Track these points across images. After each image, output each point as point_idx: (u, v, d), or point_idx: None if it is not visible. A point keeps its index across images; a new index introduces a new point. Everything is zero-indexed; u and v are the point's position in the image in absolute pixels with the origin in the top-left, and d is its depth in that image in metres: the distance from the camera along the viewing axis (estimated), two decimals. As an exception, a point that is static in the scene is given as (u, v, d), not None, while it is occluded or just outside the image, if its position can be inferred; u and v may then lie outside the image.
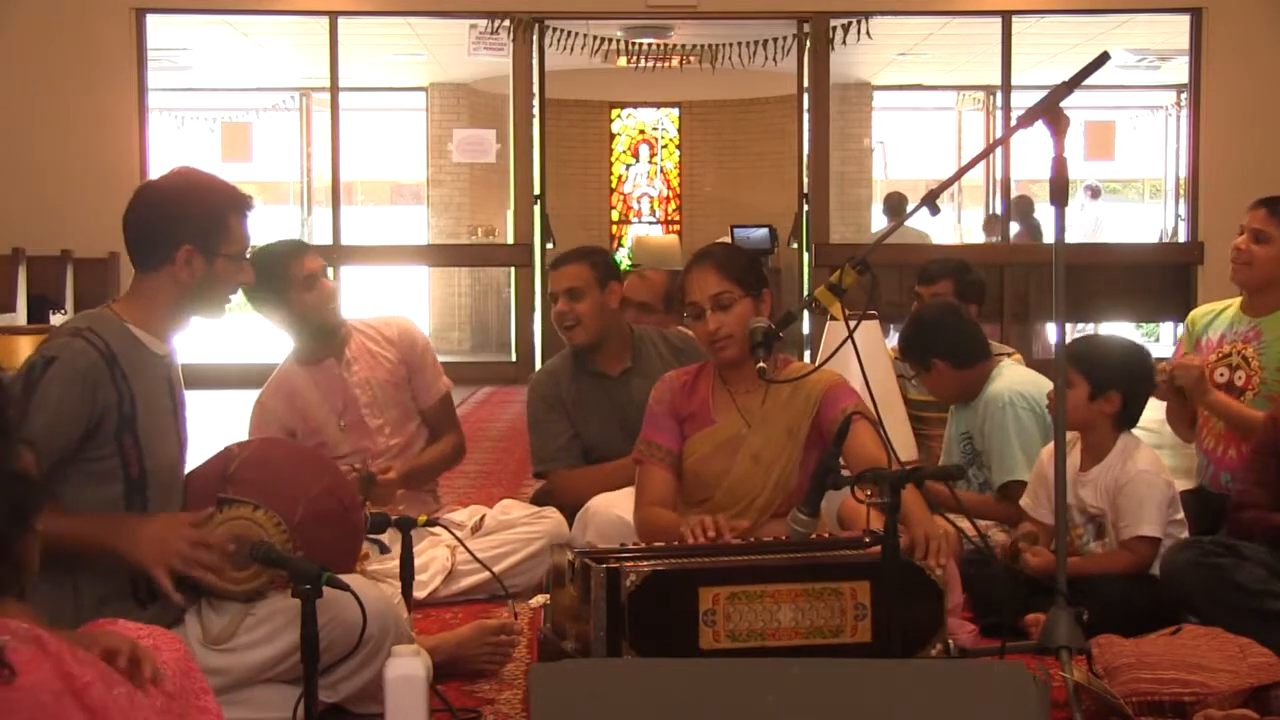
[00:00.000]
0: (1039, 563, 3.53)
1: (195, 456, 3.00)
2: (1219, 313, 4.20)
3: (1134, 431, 3.74)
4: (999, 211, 11.70)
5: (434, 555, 3.98)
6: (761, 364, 3.18)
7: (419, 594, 3.68)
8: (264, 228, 3.04)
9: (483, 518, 4.15)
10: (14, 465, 1.92)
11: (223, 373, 10.63)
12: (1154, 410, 3.89)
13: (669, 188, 16.99)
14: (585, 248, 4.43)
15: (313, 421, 4.06)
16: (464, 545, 3.56)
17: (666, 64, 13.36)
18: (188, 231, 2.80)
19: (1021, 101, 11.01)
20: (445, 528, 3.61)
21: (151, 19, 10.67)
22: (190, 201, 2.83)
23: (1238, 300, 4.17)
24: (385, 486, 3.85)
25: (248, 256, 2.91)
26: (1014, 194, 11.47)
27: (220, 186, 2.88)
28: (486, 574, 3.79)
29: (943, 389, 4.30)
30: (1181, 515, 3.68)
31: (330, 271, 4.16)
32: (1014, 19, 10.98)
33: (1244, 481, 3.62)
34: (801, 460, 3.43)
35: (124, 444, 2.75)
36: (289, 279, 3.95)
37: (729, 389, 3.50)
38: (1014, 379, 4.15)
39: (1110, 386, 3.64)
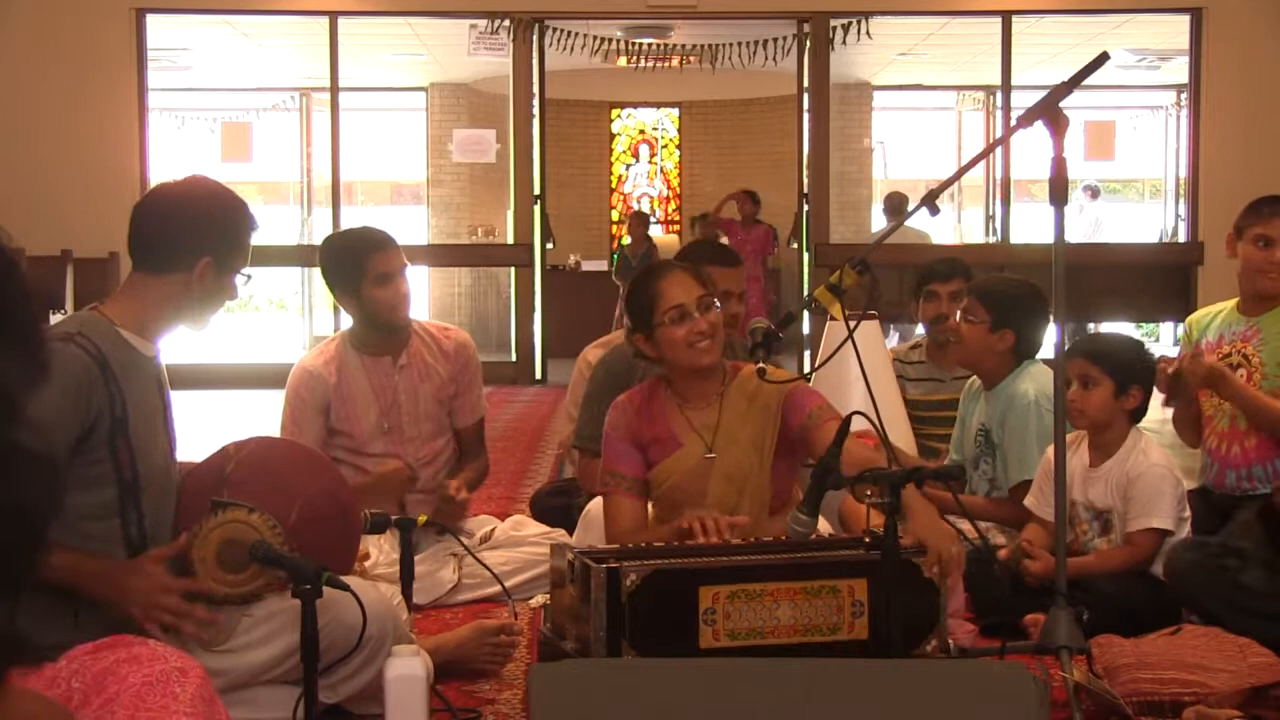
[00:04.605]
0: (1039, 568, 3.55)
1: (192, 458, 2.99)
2: (1216, 315, 4.20)
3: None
4: (998, 212, 11.70)
5: (441, 565, 3.95)
6: (762, 364, 3.17)
7: (421, 601, 3.67)
8: (264, 228, 3.05)
9: (493, 530, 4.12)
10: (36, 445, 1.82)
11: (221, 373, 10.65)
12: (1155, 410, 3.90)
13: (669, 188, 17.00)
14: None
15: (352, 408, 3.95)
16: (475, 557, 3.53)
17: (666, 64, 13.36)
18: (212, 244, 2.82)
19: (1021, 101, 10.99)
20: (454, 535, 3.60)
21: (151, 19, 10.66)
22: (216, 215, 2.85)
23: (1233, 301, 4.16)
24: (458, 506, 3.86)
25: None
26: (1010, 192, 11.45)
27: (240, 204, 2.92)
28: (492, 589, 3.78)
29: (970, 347, 4.17)
30: (1188, 513, 3.69)
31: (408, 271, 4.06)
32: (1014, 19, 10.97)
33: None
34: (772, 472, 3.36)
35: (117, 447, 2.73)
36: (363, 270, 3.90)
37: (682, 408, 3.38)
38: (1043, 380, 4.11)
39: (1132, 383, 3.69)
